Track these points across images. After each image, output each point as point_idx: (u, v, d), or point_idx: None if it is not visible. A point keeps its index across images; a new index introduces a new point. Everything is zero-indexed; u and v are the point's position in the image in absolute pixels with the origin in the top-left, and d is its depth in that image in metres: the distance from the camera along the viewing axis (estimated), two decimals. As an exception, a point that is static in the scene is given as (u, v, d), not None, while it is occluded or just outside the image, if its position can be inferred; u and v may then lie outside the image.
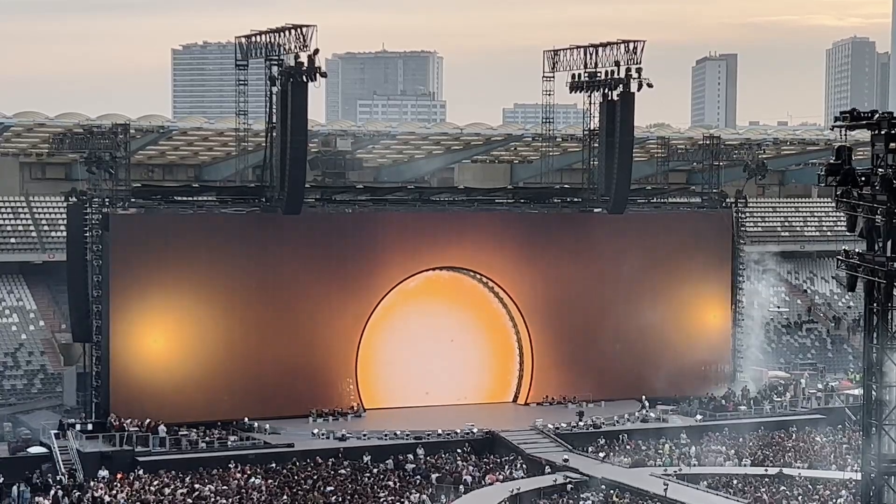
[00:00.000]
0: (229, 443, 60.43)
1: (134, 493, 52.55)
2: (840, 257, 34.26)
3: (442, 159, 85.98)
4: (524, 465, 59.77)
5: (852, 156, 33.28)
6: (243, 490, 53.61)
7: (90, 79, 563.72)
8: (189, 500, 51.91)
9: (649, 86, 70.47)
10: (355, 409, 67.34)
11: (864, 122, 32.90)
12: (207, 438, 60.38)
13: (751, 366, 76.82)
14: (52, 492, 52.90)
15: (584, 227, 73.85)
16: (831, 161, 33.42)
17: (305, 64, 62.45)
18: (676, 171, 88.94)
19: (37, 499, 52.29)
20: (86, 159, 63.76)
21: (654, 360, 72.29)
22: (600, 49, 71.78)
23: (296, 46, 62.68)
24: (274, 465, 57.69)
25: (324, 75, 63.29)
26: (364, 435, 62.84)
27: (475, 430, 63.92)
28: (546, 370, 71.82)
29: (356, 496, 53.20)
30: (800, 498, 53.37)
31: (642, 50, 69.95)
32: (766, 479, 56.52)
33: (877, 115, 32.50)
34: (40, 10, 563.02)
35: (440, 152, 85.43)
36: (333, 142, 75.94)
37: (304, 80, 62.72)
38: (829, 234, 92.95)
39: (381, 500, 52.86)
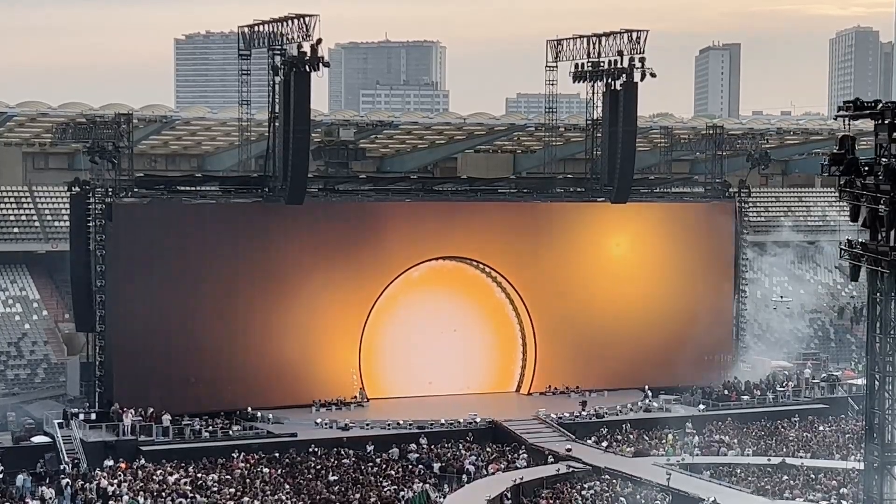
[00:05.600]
0: (232, 432, 60.51)
1: (138, 482, 52.65)
2: (843, 247, 34.28)
3: (445, 149, 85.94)
4: (527, 455, 59.82)
5: (855, 145, 33.25)
6: (247, 479, 53.70)
7: (93, 69, 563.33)
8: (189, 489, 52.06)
9: (652, 75, 70.44)
10: (358, 398, 67.42)
11: (868, 111, 32.90)
12: (210, 428, 60.46)
13: (754, 355, 76.86)
14: (57, 481, 53.03)
15: (586, 216, 73.84)
16: (834, 151, 33.42)
17: (308, 53, 62.40)
18: (679, 161, 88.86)
19: (40, 488, 52.38)
20: (89, 149, 63.71)
21: (656, 349, 72.38)
22: (603, 38, 71.79)
23: (298, 36, 62.64)
24: (277, 454, 57.79)
25: (326, 65, 63.24)
26: (367, 424, 62.94)
27: (478, 420, 64.01)
28: (549, 360, 71.89)
29: (359, 485, 53.29)
30: (802, 487, 53.42)
31: (645, 39, 70.00)
32: (769, 469, 56.57)
33: (880, 105, 32.49)
34: (42, 1, 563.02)
35: (443, 142, 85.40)
36: (336, 131, 75.90)
37: (307, 69, 62.65)
38: (832, 223, 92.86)
39: (384, 489, 52.95)
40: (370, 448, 59.71)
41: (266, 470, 55.31)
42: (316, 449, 58.88)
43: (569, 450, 59.64)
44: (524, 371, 72.53)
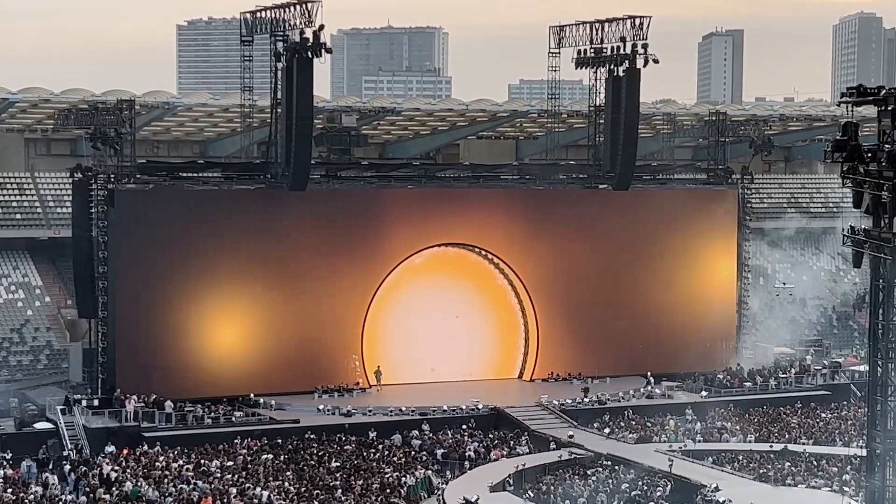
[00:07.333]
0: (234, 418, 60.57)
1: (140, 468, 52.73)
2: (846, 233, 34.30)
3: (447, 135, 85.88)
4: (529, 441, 59.90)
5: (858, 132, 33.27)
6: (249, 465, 53.78)
7: (95, 55, 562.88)
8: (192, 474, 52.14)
9: (655, 62, 70.38)
10: (360, 384, 67.46)
11: (871, 97, 32.93)
12: (213, 414, 60.52)
13: (756, 342, 76.87)
14: (60, 467, 53.11)
15: (589, 203, 73.83)
16: (838, 137, 33.45)
17: (311, 39, 62.29)
18: (682, 148, 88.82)
19: (43, 474, 52.46)
20: (91, 135, 63.69)
21: (659, 336, 72.45)
22: (606, 24, 71.76)
23: (301, 22, 62.51)
24: (279, 440, 57.87)
25: (329, 51, 63.07)
26: (369, 411, 63.00)
27: (480, 407, 64.05)
28: (551, 346, 71.90)
29: (361, 472, 53.35)
30: (804, 474, 53.46)
31: (648, 25, 69.90)
32: (772, 456, 56.61)
33: (883, 91, 32.51)
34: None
35: (445, 128, 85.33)
36: (339, 118, 75.81)
37: (310, 55, 62.57)
38: (834, 210, 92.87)
39: (387, 475, 53.01)
40: (372, 434, 59.79)
41: (269, 456, 55.36)
42: (313, 435, 58.91)
43: (571, 436, 59.70)
44: (526, 358, 72.56)
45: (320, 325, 66.84)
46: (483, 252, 71.55)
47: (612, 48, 71.51)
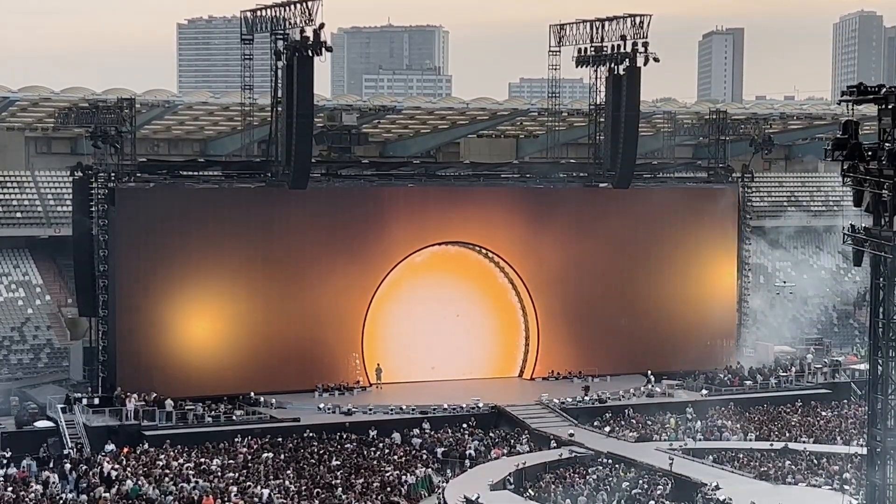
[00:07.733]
0: (235, 417, 60.55)
1: (141, 466, 52.73)
2: (846, 232, 34.28)
3: (447, 134, 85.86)
4: (530, 440, 59.90)
5: (859, 130, 33.24)
6: (250, 464, 53.78)
7: (95, 53, 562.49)
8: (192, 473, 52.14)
9: (656, 60, 70.41)
10: (361, 382, 67.45)
11: (871, 96, 32.89)
12: (213, 413, 60.51)
13: (756, 340, 76.86)
14: (60, 466, 53.10)
15: (589, 201, 73.82)
16: (838, 135, 33.42)
17: (311, 38, 62.32)
18: (682, 146, 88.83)
19: (43, 473, 52.46)
20: (91, 134, 63.68)
21: (659, 334, 72.43)
22: (606, 23, 71.81)
23: (301, 20, 62.55)
24: (280, 439, 57.87)
25: (329, 50, 63.10)
26: (370, 409, 62.99)
27: (481, 405, 64.03)
28: (552, 345, 71.89)
29: (362, 470, 53.36)
30: (805, 472, 53.46)
31: (649, 24, 69.96)
32: (772, 454, 56.60)
33: (884, 90, 32.48)
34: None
35: (446, 127, 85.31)
36: (339, 116, 75.77)
37: (310, 54, 62.60)
38: (835, 208, 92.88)
39: (387, 474, 53.02)
40: (373, 433, 59.79)
41: (270, 455, 55.36)
42: (314, 434, 58.92)
43: (571, 435, 59.69)
44: (527, 356, 72.55)
45: (321, 324, 66.83)
46: (483, 250, 71.54)
47: (613, 47, 71.53)
